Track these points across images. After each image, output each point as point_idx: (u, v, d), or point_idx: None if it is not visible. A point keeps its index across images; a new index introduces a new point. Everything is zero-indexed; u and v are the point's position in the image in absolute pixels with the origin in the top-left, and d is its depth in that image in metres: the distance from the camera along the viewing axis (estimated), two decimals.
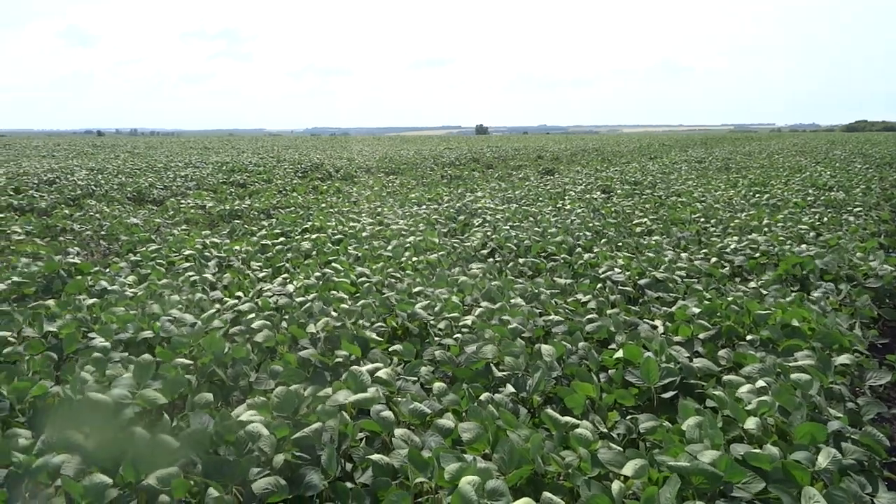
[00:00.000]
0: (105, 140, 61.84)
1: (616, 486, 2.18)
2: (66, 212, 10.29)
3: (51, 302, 4.80)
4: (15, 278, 5.62)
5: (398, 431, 2.71)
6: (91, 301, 4.71)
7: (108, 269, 6.20)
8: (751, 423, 2.74)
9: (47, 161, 22.37)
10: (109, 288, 5.21)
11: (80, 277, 5.64)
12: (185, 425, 2.85)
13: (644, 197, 11.33)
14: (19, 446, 2.59)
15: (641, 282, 5.25)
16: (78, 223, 9.25)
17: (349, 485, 2.48)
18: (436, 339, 4.07)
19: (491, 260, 6.51)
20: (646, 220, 8.46)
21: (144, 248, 7.03)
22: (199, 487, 2.46)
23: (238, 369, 3.55)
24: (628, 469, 2.32)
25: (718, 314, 4.29)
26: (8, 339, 3.94)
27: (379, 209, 10.25)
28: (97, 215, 9.89)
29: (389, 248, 6.71)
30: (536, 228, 7.88)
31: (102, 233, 8.63)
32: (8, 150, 31.86)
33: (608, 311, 4.47)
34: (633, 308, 4.70)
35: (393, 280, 5.46)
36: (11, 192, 12.64)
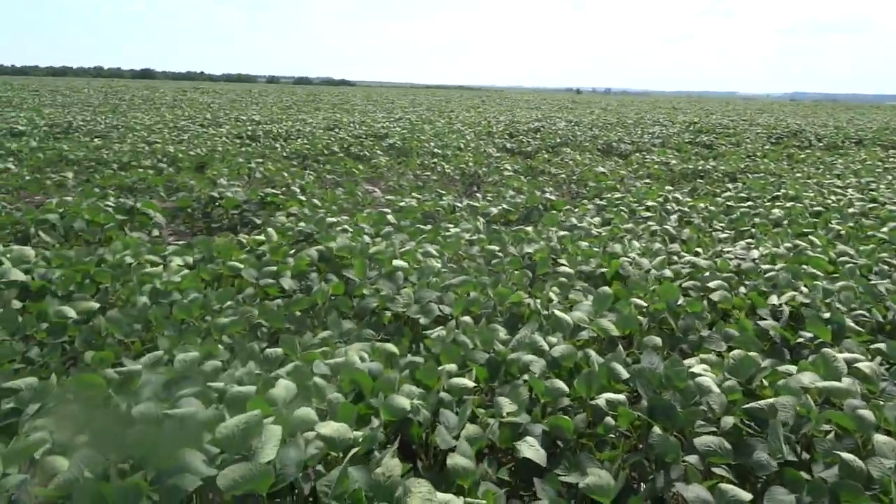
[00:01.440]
0: (582, 97, 67.40)
1: None
2: (546, 157, 11.59)
3: (529, 228, 5.48)
4: (504, 206, 6.61)
5: (880, 438, 2.25)
6: (562, 233, 5.21)
7: (576, 209, 6.76)
8: None
9: (534, 112, 25.52)
10: (578, 225, 5.67)
11: (553, 212, 6.30)
12: (631, 362, 2.91)
13: None
14: (500, 339, 3.03)
15: None
16: (554, 167, 10.33)
17: (804, 475, 2.18)
18: None
19: None
20: None
21: (610, 195, 7.44)
22: (641, 422, 2.50)
23: (689, 322, 3.47)
24: None
25: None
26: (496, 252, 4.66)
27: (873, 185, 8.64)
28: (570, 162, 10.84)
29: (885, 229, 5.60)
30: None
31: (574, 178, 9.45)
32: (506, 101, 37.44)
33: None
34: None
35: (886, 267, 4.54)
36: (507, 136, 14.84)
